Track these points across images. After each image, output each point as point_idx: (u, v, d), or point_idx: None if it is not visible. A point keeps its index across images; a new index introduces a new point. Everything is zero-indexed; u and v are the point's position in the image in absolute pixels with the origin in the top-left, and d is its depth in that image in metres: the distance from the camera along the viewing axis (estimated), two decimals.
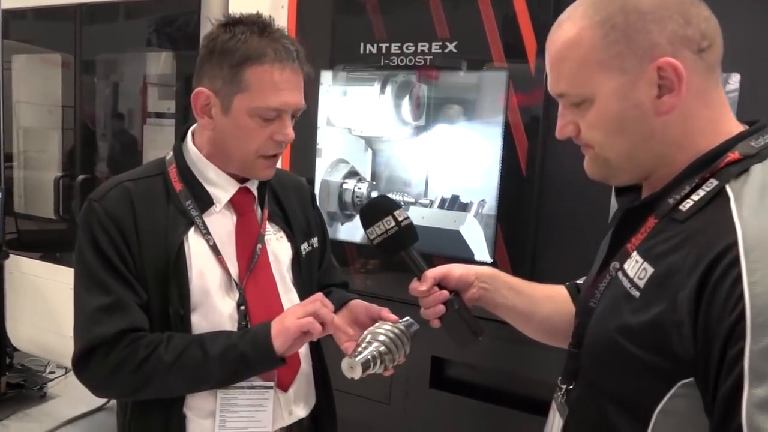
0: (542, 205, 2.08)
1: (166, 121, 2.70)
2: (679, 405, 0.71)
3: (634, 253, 0.79)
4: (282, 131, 1.10)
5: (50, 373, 3.45)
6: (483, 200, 2.55)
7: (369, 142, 2.91)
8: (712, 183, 0.74)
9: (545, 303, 1.09)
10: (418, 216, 2.44)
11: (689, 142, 0.78)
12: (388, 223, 1.01)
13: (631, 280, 0.77)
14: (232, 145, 1.11)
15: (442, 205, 2.60)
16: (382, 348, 1.01)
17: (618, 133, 0.80)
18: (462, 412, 2.26)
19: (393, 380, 2.48)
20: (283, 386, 1.17)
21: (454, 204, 2.61)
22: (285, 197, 1.27)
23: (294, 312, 1.07)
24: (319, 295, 1.11)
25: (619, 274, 0.81)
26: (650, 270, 0.74)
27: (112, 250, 1.06)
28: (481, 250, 2.41)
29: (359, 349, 1.00)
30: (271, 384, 1.13)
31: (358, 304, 1.19)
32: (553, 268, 1.98)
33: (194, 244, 1.11)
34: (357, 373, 0.98)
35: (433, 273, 1.02)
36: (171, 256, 1.08)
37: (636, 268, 0.77)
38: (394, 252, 1.03)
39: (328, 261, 1.37)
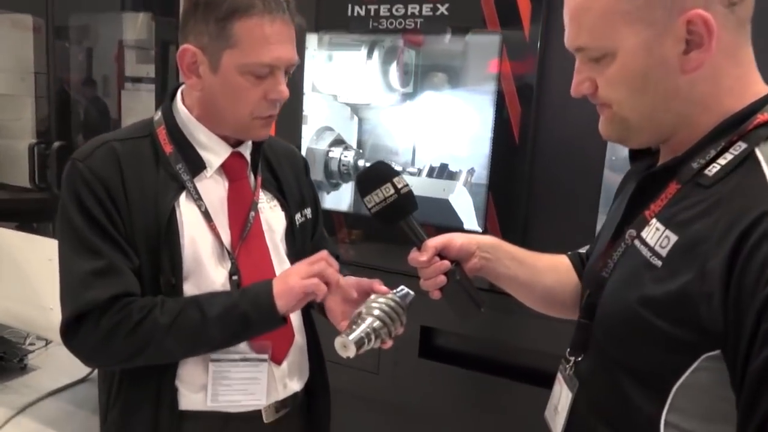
0: (534, 174, 2.05)
1: (145, 86, 2.60)
2: (701, 378, 0.68)
3: (654, 220, 0.76)
4: (276, 89, 1.04)
5: (30, 344, 3.39)
6: (472, 168, 2.51)
7: (355, 109, 2.84)
8: (741, 146, 0.71)
9: (548, 273, 1.06)
10: None
11: (715, 103, 0.75)
12: (387, 190, 0.97)
13: (651, 249, 0.74)
14: (224, 105, 1.05)
15: (430, 174, 2.56)
16: (377, 323, 0.97)
17: (640, 91, 0.76)
18: (451, 381, 2.26)
19: (381, 350, 2.46)
20: (277, 359, 1.13)
21: (442, 173, 2.57)
22: (278, 165, 1.22)
23: (297, 271, 1.02)
24: (324, 253, 1.06)
25: (636, 242, 0.78)
26: (674, 238, 0.71)
27: (99, 210, 1.00)
28: (470, 219, 2.38)
29: (353, 327, 0.97)
30: (265, 356, 1.10)
31: (347, 280, 1.14)
32: (544, 237, 1.96)
33: (186, 210, 1.06)
34: (351, 352, 0.95)
35: (434, 242, 0.99)
36: (162, 222, 1.02)
37: (657, 236, 0.74)
38: (393, 221, 0.99)
39: (320, 233, 1.33)
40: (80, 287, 0.99)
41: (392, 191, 0.97)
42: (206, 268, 1.06)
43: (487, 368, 2.21)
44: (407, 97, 2.64)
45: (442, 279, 0.98)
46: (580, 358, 0.86)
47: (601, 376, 0.81)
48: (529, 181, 2.05)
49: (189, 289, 1.05)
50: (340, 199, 2.80)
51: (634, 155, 0.90)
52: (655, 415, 0.71)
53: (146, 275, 1.03)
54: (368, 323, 0.97)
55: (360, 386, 2.38)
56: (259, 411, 1.12)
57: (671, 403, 0.70)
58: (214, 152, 1.09)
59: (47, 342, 3.31)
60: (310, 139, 2.65)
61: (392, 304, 1.00)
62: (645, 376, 0.73)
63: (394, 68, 2.56)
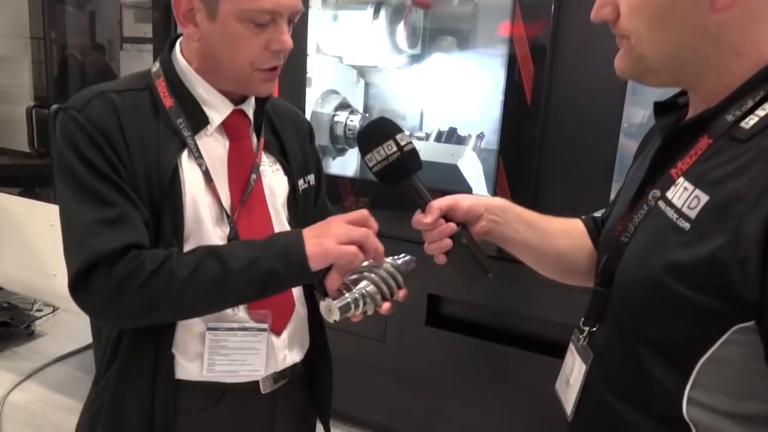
0: (546, 138, 1.97)
1: (145, 46, 2.51)
2: (731, 352, 0.63)
3: (681, 179, 0.69)
4: (278, 38, 0.97)
5: (37, 311, 3.39)
6: (482, 133, 2.45)
7: (361, 72, 2.76)
8: None
9: (560, 238, 1.00)
10: None
11: (751, 48, 0.67)
12: (389, 148, 0.91)
13: (678, 210, 0.67)
14: (223, 56, 0.98)
15: (438, 139, 2.50)
16: (370, 287, 0.93)
17: (662, 25, 0.68)
18: (458, 350, 2.23)
19: (388, 318, 2.43)
20: (277, 330, 1.09)
21: (451, 137, 2.50)
22: (282, 128, 1.15)
23: (335, 233, 0.93)
24: (365, 213, 0.98)
25: (661, 203, 0.71)
26: (704, 198, 0.64)
27: (101, 159, 0.92)
28: (479, 185, 2.32)
29: (343, 291, 0.93)
30: (265, 326, 1.05)
31: None
32: (556, 205, 1.89)
33: (188, 168, 0.99)
34: (335, 316, 0.91)
35: (439, 204, 0.93)
36: (165, 179, 0.95)
37: (685, 196, 0.67)
38: (395, 181, 0.93)
39: (323, 201, 1.27)
40: (90, 237, 0.91)
41: (395, 149, 0.91)
42: (205, 231, 1.00)
43: (495, 337, 2.17)
44: (415, 59, 2.56)
45: (448, 243, 0.92)
46: (595, 329, 0.81)
47: (618, 348, 0.75)
48: (540, 146, 1.97)
49: (188, 249, 0.99)
50: (346, 164, 2.74)
51: (660, 109, 0.82)
52: (677, 391, 0.66)
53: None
54: (359, 288, 0.93)
55: (366, 354, 2.35)
56: (257, 382, 1.07)
57: (696, 378, 0.65)
58: (215, 108, 1.03)
59: (54, 308, 3.31)
60: (314, 103, 2.58)
61: (389, 269, 0.95)
62: (667, 349, 0.68)
63: (401, 29, 2.46)
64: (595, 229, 1.02)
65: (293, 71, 2.43)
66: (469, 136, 2.49)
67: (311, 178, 1.18)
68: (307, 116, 2.52)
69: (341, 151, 2.70)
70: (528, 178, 2.00)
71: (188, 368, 1.02)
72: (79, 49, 3.01)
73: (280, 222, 1.11)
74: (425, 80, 2.57)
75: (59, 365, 2.97)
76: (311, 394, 1.20)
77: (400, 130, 0.93)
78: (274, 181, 1.10)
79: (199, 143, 1.01)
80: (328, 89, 2.64)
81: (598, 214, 1.05)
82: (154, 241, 0.96)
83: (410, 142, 0.93)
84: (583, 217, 1.06)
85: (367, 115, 2.71)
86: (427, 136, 2.52)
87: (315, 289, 1.18)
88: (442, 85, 2.56)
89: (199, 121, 1.01)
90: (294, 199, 1.13)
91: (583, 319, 0.82)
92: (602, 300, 0.79)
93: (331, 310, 0.91)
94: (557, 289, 1.96)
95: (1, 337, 3.15)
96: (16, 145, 2.91)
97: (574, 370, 0.82)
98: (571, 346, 0.86)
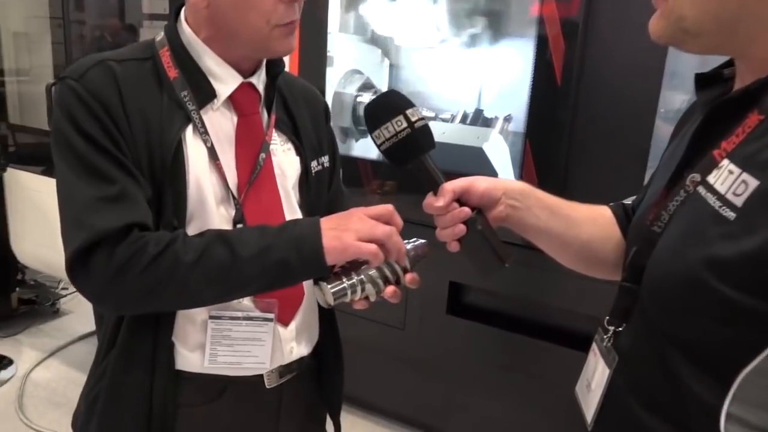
0: (577, 121, 1.87)
1: (162, 23, 2.47)
2: None
3: (725, 161, 0.60)
4: None
5: (63, 289, 3.42)
6: (509, 115, 2.36)
7: (386, 51, 2.68)
8: None
9: (586, 226, 0.92)
10: (438, 132, 2.23)
11: None
12: (399, 124, 0.83)
13: (721, 197, 0.58)
14: (236, 19, 0.90)
15: (464, 121, 2.41)
16: (372, 271, 0.87)
17: None
18: (479, 339, 2.16)
19: (408, 305, 2.38)
20: (284, 320, 1.02)
21: (477, 119, 2.42)
22: (295, 106, 1.07)
23: (356, 228, 0.85)
24: (390, 208, 0.90)
25: (701, 189, 0.62)
26: (753, 183, 0.55)
27: (100, 132, 0.86)
28: (506, 169, 2.23)
29: (341, 275, 0.88)
30: (271, 316, 0.99)
31: None
32: (586, 191, 1.80)
33: (192, 144, 0.92)
34: (329, 301, 0.87)
35: (453, 186, 0.84)
36: (168, 155, 0.89)
37: (730, 180, 0.58)
38: (405, 161, 0.85)
39: (338, 185, 1.19)
40: (90, 215, 0.84)
41: (405, 125, 0.83)
42: (208, 213, 0.93)
43: (517, 327, 2.10)
44: (442, 39, 2.46)
45: (461, 228, 0.84)
46: (621, 328, 0.72)
47: (646, 352, 0.67)
48: (570, 129, 1.87)
49: (192, 232, 0.91)
50: (369, 146, 2.67)
51: (701, 82, 0.72)
52: (715, 405, 0.58)
53: None
54: (360, 271, 0.87)
55: (385, 341, 2.30)
56: (261, 376, 1.00)
57: (737, 391, 0.56)
58: (222, 81, 0.95)
59: None
60: (337, 83, 2.51)
61: (386, 263, 0.89)
62: (704, 356, 0.59)
63: (428, 8, 2.37)
64: (624, 217, 0.93)
65: (313, 49, 2.36)
66: (496, 118, 2.39)
67: (325, 159, 1.11)
68: (329, 96, 2.45)
69: (364, 133, 2.63)
70: (557, 162, 1.91)
71: (189, 358, 0.96)
72: (110, 30, 3.00)
73: (290, 205, 1.04)
74: (452, 60, 2.47)
75: (82, 343, 3.00)
76: (320, 388, 1.14)
77: (411, 105, 0.85)
78: (284, 161, 1.03)
79: (205, 118, 0.94)
80: (352, 69, 2.56)
81: (628, 201, 0.96)
82: (155, 222, 0.90)
83: (422, 118, 0.85)
84: (611, 204, 0.98)
85: None
86: (453, 118, 2.43)
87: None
88: (469, 65, 2.47)
89: (205, 94, 0.94)
90: (306, 182, 1.06)
91: (607, 317, 0.74)
92: (630, 297, 0.70)
93: (324, 294, 0.86)
94: (582, 280, 1.87)
95: (27, 315, 3.19)
96: (39, 123, 2.91)
97: (596, 374, 0.74)
98: (594, 346, 0.78)
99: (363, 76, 2.57)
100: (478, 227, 0.84)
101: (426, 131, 0.85)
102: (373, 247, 0.83)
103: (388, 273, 0.88)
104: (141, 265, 0.83)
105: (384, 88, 2.65)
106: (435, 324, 2.23)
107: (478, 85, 2.48)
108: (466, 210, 0.84)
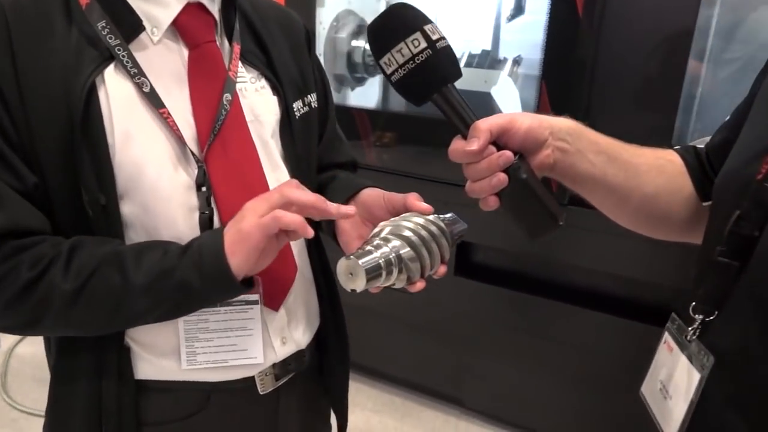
0: (599, 59, 1.67)
1: None
2: None
3: None
4: None
5: None
6: (519, 56, 2.16)
7: None
8: None
9: (650, 175, 0.74)
10: None
11: None
12: (416, 44, 0.63)
13: None
14: None
15: (470, 63, 2.22)
16: (405, 250, 0.65)
17: None
18: (489, 301, 2.03)
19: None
20: (273, 303, 0.82)
21: (484, 61, 2.22)
22: (267, 32, 0.85)
23: (254, 208, 0.68)
24: (293, 181, 0.73)
25: None
26: None
27: None
28: None
29: (367, 247, 0.65)
30: (256, 297, 0.80)
31: (372, 194, 0.82)
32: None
33: (115, 89, 0.71)
34: (359, 283, 0.63)
35: (489, 124, 0.65)
36: (76, 110, 0.68)
37: None
38: (425, 93, 0.66)
39: (332, 130, 0.98)
40: None
41: (423, 45, 0.63)
42: (154, 179, 0.72)
43: (529, 288, 1.97)
44: None
45: (502, 178, 0.65)
46: (713, 317, 0.55)
47: (760, 353, 0.50)
48: (592, 69, 1.67)
49: (131, 211, 0.73)
50: (366, 95, 2.47)
51: None
52: None
53: (60, 194, 0.70)
54: (392, 247, 0.65)
55: (390, 305, 2.16)
56: (253, 379, 0.82)
57: None
58: (161, 3, 0.74)
59: None
60: (329, 26, 2.29)
61: (433, 228, 0.69)
62: None
63: None
64: (697, 165, 0.76)
65: None
66: (505, 59, 2.19)
67: (313, 98, 0.89)
68: (320, 41, 2.23)
69: (360, 81, 2.43)
70: (577, 107, 1.71)
71: (160, 365, 0.78)
72: None
73: (271, 159, 0.83)
74: None
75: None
76: (322, 381, 0.96)
77: (428, 20, 0.65)
78: (258, 102, 0.82)
79: (141, 56, 0.73)
80: (345, 9, 2.33)
81: (699, 144, 0.78)
82: (75, 198, 0.70)
83: (443, 37, 0.65)
84: (678, 148, 0.79)
85: None
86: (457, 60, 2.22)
87: (321, 230, 0.91)
88: (474, 1, 2.25)
89: (131, 24, 0.73)
90: (289, 128, 0.84)
91: (693, 303, 0.57)
92: (727, 277, 0.53)
93: (353, 273, 0.63)
94: (598, 234, 1.74)
95: None
96: None
97: (677, 377, 0.58)
98: (669, 338, 0.61)
99: (357, 17, 2.35)
100: (522, 176, 0.65)
101: (450, 53, 0.65)
102: (275, 213, 0.66)
103: (426, 256, 0.67)
104: (11, 292, 0.67)
105: None
106: (442, 286, 2.06)
107: (485, 23, 2.26)
108: (508, 154, 0.65)
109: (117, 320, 0.72)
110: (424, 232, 0.67)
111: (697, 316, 0.57)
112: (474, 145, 0.64)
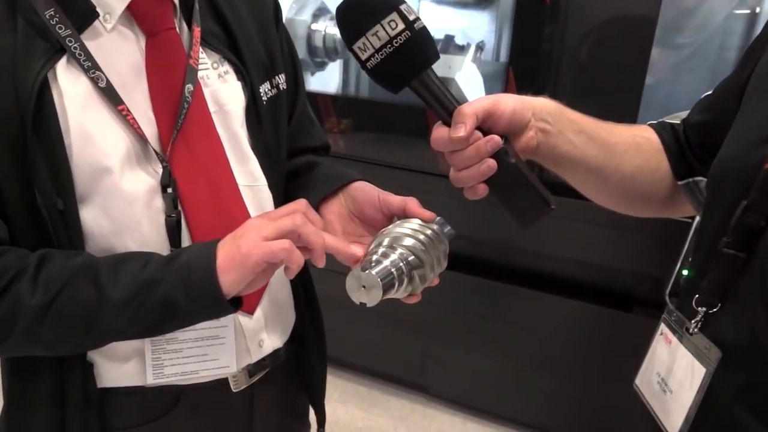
0: (566, 40, 1.67)
1: None
2: None
3: None
4: None
5: None
6: (482, 41, 2.15)
7: None
8: None
9: (628, 154, 0.72)
10: None
11: None
12: (393, 25, 0.59)
13: None
14: None
15: None
16: (412, 258, 0.62)
17: None
18: (452, 287, 2.02)
19: None
20: (249, 307, 0.78)
21: (447, 47, 2.19)
22: (230, 10, 0.79)
23: (258, 228, 0.63)
24: (303, 203, 0.69)
25: None
26: None
27: None
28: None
29: (374, 258, 0.61)
30: None
31: (365, 190, 0.76)
32: None
33: (69, 85, 0.65)
34: (375, 296, 0.59)
35: (474, 108, 0.61)
36: (26, 109, 0.62)
37: None
38: (404, 79, 0.62)
39: (303, 111, 0.91)
40: None
41: (401, 26, 0.58)
42: (117, 181, 0.66)
43: (495, 275, 1.96)
44: None
45: (492, 164, 0.61)
46: (715, 310, 0.54)
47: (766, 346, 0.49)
48: (559, 54, 1.67)
49: (92, 216, 0.67)
50: (326, 80, 2.41)
51: None
52: None
53: (12, 201, 0.64)
54: (398, 256, 0.61)
55: None
56: (225, 378, 0.78)
57: None
58: None
59: None
60: (288, 8, 2.22)
61: (433, 235, 0.65)
62: None
63: None
64: (673, 142, 0.75)
65: None
66: (468, 45, 2.17)
67: (281, 80, 0.83)
68: None
69: (321, 65, 2.37)
70: (542, 92, 1.71)
71: (121, 371, 0.72)
72: None
73: (240, 150, 0.77)
74: None
75: None
76: (299, 376, 0.92)
77: (402, 0, 0.60)
78: (221, 91, 0.76)
79: (94, 45, 0.67)
80: None
81: (673, 119, 0.77)
82: (29, 203, 0.64)
83: (419, 17, 0.61)
84: (652, 123, 0.78)
85: None
86: None
87: None
88: None
89: (83, 11, 0.66)
90: (255, 115, 0.78)
91: (697, 296, 0.55)
92: (733, 269, 0.52)
93: (367, 285, 0.59)
94: (563, 221, 1.75)
95: None
96: None
97: (678, 371, 0.57)
98: (666, 331, 0.60)
99: (318, 0, 2.27)
100: (510, 160, 0.62)
101: (427, 34, 0.61)
102: (284, 243, 0.62)
103: (428, 273, 0.64)
104: None
105: None
106: None
107: (447, 8, 2.24)
108: (496, 138, 0.61)
109: (89, 339, 0.65)
110: (428, 241, 0.64)
111: (700, 308, 0.55)
112: (461, 131, 0.60)
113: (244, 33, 0.79)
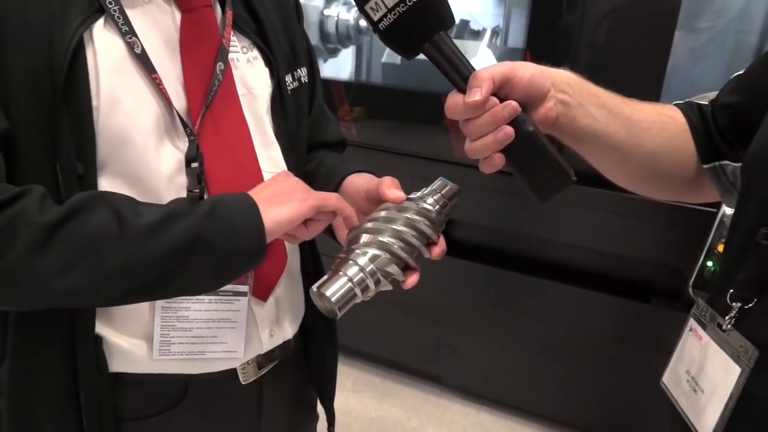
0: (584, 24, 1.63)
1: None
2: None
3: None
4: None
5: None
6: (498, 26, 2.10)
7: None
8: None
9: (651, 132, 0.68)
10: None
11: None
12: None
13: None
14: None
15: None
16: (378, 260, 0.61)
17: None
18: (467, 277, 2.00)
19: None
20: (261, 294, 0.76)
21: (462, 32, 2.15)
22: (258, 0, 0.78)
23: (293, 183, 0.67)
24: (334, 196, 0.70)
25: None
26: None
27: None
28: None
29: (339, 268, 0.60)
30: (245, 289, 0.74)
31: (353, 184, 0.77)
32: None
33: (104, 47, 0.63)
34: (334, 310, 0.59)
35: (491, 72, 0.58)
36: (59, 67, 0.60)
37: None
38: (417, 42, 0.59)
39: (319, 107, 0.91)
40: None
41: None
42: (142, 150, 0.64)
43: (510, 264, 1.93)
44: None
45: (509, 132, 0.58)
46: (751, 305, 0.51)
47: None
48: (578, 37, 1.62)
49: (110, 184, 0.64)
50: (339, 67, 2.38)
51: None
52: None
53: (29, 158, 0.61)
54: (362, 263, 0.60)
55: None
56: (234, 370, 0.77)
57: None
58: None
59: None
60: None
61: (412, 215, 0.63)
62: None
63: None
64: (700, 123, 0.71)
65: None
66: (484, 30, 2.13)
67: (303, 73, 0.83)
68: None
69: (333, 52, 2.34)
70: None
71: (129, 353, 0.70)
72: None
73: (264, 135, 0.77)
74: None
75: None
76: (309, 370, 0.90)
77: None
78: (250, 75, 0.75)
79: (132, 14, 0.66)
80: None
81: (701, 100, 0.73)
82: (46, 165, 0.61)
83: None
84: (679, 103, 0.74)
85: None
86: None
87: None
88: None
89: None
90: (280, 102, 0.78)
91: (732, 291, 0.52)
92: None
93: (323, 301, 0.60)
94: (580, 210, 1.71)
95: None
96: None
97: (711, 370, 0.54)
98: (695, 326, 0.57)
99: None
100: (529, 128, 0.59)
101: None
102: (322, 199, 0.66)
103: (403, 255, 0.62)
104: None
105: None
106: (423, 263, 2.03)
107: None
108: (514, 104, 0.58)
109: (94, 278, 0.58)
110: (400, 227, 0.62)
111: (734, 303, 0.52)
112: (476, 95, 0.57)
113: (271, 23, 0.78)
